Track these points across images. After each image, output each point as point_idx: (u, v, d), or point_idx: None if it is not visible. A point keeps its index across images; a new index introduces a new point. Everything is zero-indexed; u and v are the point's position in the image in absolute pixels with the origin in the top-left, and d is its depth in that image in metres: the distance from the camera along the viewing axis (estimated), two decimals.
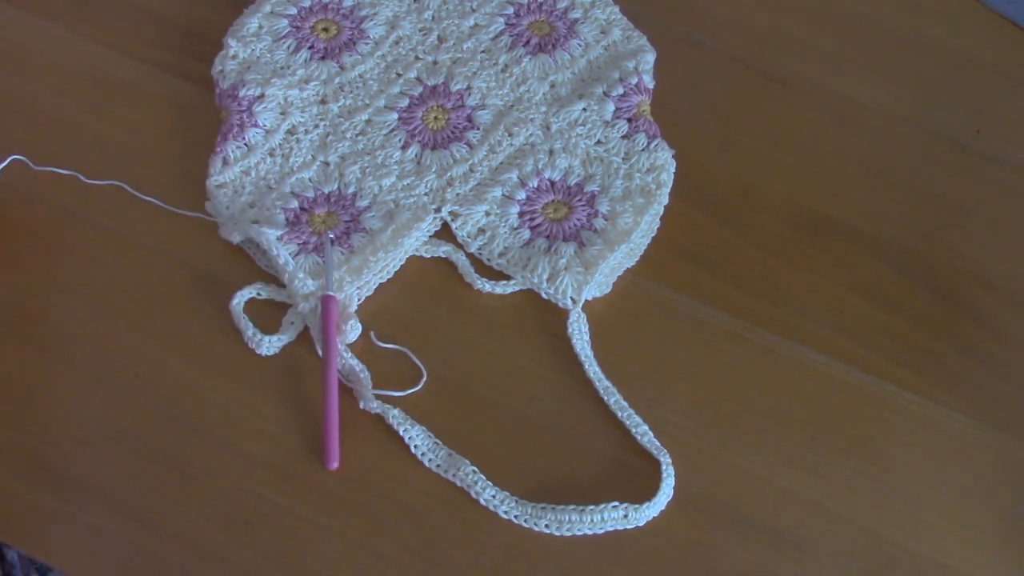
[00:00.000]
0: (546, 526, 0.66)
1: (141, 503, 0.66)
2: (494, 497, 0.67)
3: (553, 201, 0.78)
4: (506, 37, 0.86)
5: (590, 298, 0.75)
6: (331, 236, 0.75)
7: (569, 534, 0.66)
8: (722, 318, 0.75)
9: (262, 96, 0.80)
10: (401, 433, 0.68)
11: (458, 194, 0.78)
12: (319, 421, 0.69)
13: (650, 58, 0.85)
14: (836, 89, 0.86)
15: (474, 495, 0.67)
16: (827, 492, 0.68)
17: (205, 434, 0.69)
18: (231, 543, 0.65)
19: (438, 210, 0.77)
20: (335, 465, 0.67)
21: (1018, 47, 0.90)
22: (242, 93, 0.80)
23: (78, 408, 0.69)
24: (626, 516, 0.66)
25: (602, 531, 0.66)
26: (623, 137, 0.81)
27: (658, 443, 0.69)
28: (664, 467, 0.68)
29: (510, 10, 0.87)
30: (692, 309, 0.75)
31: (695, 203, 0.80)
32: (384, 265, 0.75)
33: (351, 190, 0.78)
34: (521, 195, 0.78)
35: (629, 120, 0.81)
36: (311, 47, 0.84)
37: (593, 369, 0.72)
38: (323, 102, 0.82)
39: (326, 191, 0.78)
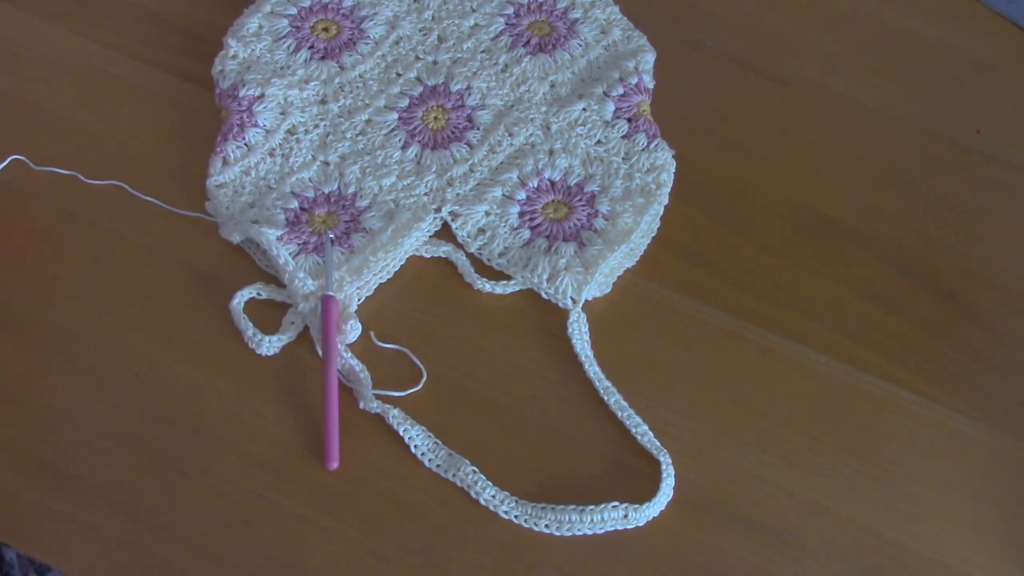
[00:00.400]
0: (546, 526, 0.66)
1: (141, 503, 0.66)
2: (494, 497, 0.67)
3: (553, 201, 0.78)
4: (506, 37, 0.86)
5: (590, 298, 0.75)
6: (331, 236, 0.75)
7: (569, 534, 0.66)
8: (722, 318, 0.75)
9: (262, 96, 0.80)
10: (401, 433, 0.68)
11: (458, 194, 0.78)
12: (319, 421, 0.69)
13: (650, 58, 0.85)
14: (836, 89, 0.86)
15: (474, 495, 0.67)
16: (827, 492, 0.68)
17: (205, 434, 0.69)
18: (231, 543, 0.65)
19: (438, 210, 0.77)
20: (335, 465, 0.67)
21: (1018, 47, 0.90)
22: (242, 93, 0.80)
23: (78, 408, 0.69)
24: (626, 516, 0.66)
25: (602, 531, 0.66)
26: (623, 137, 0.81)
27: (658, 443, 0.69)
28: (664, 467, 0.68)
29: (510, 10, 0.87)
30: (692, 309, 0.75)
31: (695, 203, 0.80)
32: (384, 265, 0.75)
33: (351, 190, 0.78)
34: (521, 195, 0.78)
35: (629, 120, 0.81)
36: (311, 47, 0.84)
37: (593, 369, 0.72)
38: (323, 102, 0.82)
39: (326, 191, 0.78)
